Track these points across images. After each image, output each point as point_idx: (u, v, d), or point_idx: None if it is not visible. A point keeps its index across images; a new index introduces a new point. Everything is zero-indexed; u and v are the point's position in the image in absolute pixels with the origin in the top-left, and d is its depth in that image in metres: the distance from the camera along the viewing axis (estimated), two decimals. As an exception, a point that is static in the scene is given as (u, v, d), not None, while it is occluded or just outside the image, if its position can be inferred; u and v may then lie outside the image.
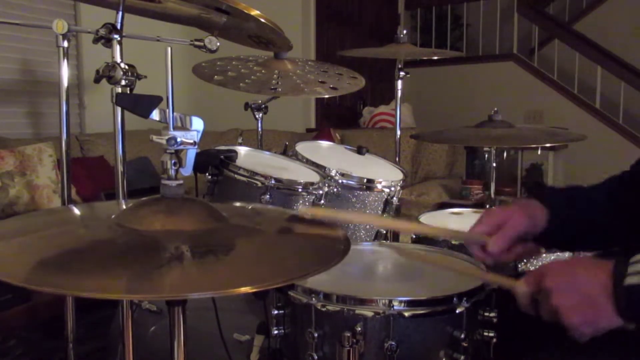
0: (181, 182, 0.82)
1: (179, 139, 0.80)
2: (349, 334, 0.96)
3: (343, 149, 1.97)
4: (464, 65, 5.33)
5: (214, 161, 1.48)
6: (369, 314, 0.99)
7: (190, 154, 0.81)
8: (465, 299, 1.02)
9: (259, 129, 2.09)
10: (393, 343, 0.98)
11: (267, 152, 1.79)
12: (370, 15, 5.58)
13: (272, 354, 1.15)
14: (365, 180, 1.60)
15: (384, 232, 1.68)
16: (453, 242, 1.42)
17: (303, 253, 0.83)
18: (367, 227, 1.65)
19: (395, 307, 0.99)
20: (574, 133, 1.87)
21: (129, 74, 1.18)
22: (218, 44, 1.29)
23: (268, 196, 1.41)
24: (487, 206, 1.99)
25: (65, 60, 1.28)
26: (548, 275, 0.83)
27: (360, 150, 1.88)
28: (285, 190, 1.46)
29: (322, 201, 1.49)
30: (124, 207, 0.99)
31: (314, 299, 1.02)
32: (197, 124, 0.82)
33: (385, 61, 2.57)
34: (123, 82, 1.17)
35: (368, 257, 1.34)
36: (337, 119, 5.01)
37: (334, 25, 5.06)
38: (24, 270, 0.69)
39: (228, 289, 0.66)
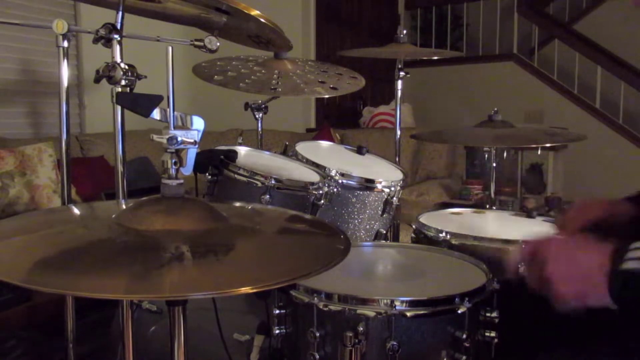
0: (181, 181, 0.81)
1: (179, 138, 0.80)
2: (350, 334, 0.96)
3: (343, 149, 1.97)
4: (464, 65, 5.33)
5: (214, 161, 1.48)
6: (371, 313, 0.99)
7: (191, 154, 0.81)
8: (467, 299, 1.02)
9: (259, 129, 2.09)
10: (395, 343, 0.98)
11: (267, 152, 1.79)
12: (370, 15, 5.58)
13: (272, 353, 1.15)
14: (365, 180, 1.60)
15: (384, 232, 1.68)
16: (453, 242, 1.42)
17: (303, 253, 0.83)
18: (367, 227, 1.65)
19: (397, 307, 0.98)
20: (574, 133, 1.87)
21: (129, 74, 1.18)
22: (218, 44, 1.29)
23: (268, 196, 1.41)
24: (487, 206, 1.99)
25: (65, 60, 1.28)
26: (548, 245, 0.86)
27: (360, 150, 1.88)
28: (285, 190, 1.45)
29: (322, 201, 1.49)
30: (124, 207, 0.99)
31: (315, 298, 1.02)
32: (198, 123, 0.82)
33: (385, 61, 2.57)
34: (123, 82, 1.17)
35: (368, 257, 1.34)
36: (337, 119, 5.01)
37: (334, 25, 5.06)
38: (24, 270, 0.69)
39: (228, 289, 0.66)
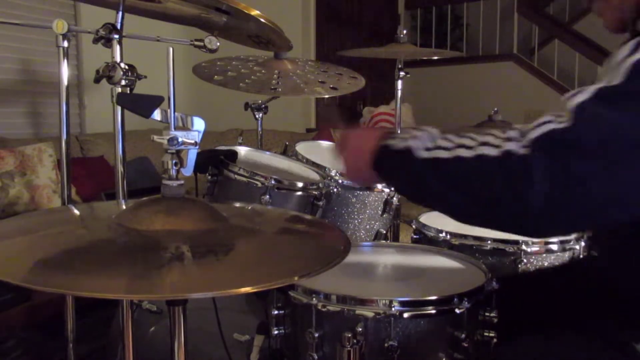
0: (182, 182, 0.82)
1: (180, 139, 0.80)
2: (349, 334, 0.96)
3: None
4: (464, 65, 5.33)
5: (214, 161, 1.48)
6: (370, 314, 0.99)
7: (192, 154, 0.81)
8: (465, 299, 1.02)
9: (259, 129, 2.09)
10: (393, 343, 0.98)
11: (267, 152, 1.79)
12: (370, 15, 5.57)
13: (272, 354, 1.15)
14: (365, 180, 1.60)
15: (384, 232, 1.68)
16: (453, 242, 1.43)
17: (303, 253, 0.83)
18: (367, 227, 1.65)
19: (395, 308, 0.98)
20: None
21: (129, 74, 1.18)
22: (218, 44, 1.29)
23: (268, 196, 1.41)
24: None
25: (65, 60, 1.28)
26: (346, 136, 1.01)
27: (360, 151, 1.88)
28: (285, 191, 1.46)
29: (322, 201, 1.49)
30: (124, 207, 0.99)
31: (314, 299, 1.02)
32: (199, 124, 0.82)
33: (385, 61, 2.57)
34: (123, 82, 1.17)
35: (368, 257, 1.34)
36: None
37: (334, 25, 5.06)
38: (24, 270, 0.69)
39: (228, 289, 0.66)
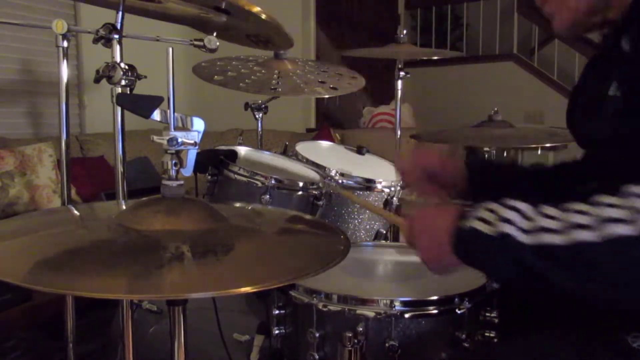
0: (182, 182, 0.82)
1: (179, 140, 0.80)
2: (350, 334, 0.96)
3: (343, 149, 1.97)
4: (464, 65, 5.32)
5: (214, 161, 1.48)
6: (371, 314, 0.99)
7: (191, 155, 0.81)
8: (466, 299, 1.02)
9: (259, 129, 2.09)
10: (394, 343, 0.98)
11: (267, 152, 1.79)
12: (370, 15, 5.57)
13: (272, 354, 1.15)
14: (365, 180, 1.60)
15: (384, 232, 1.68)
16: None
17: (303, 253, 0.83)
18: (367, 227, 1.65)
19: (396, 308, 0.98)
20: (574, 133, 1.86)
21: (129, 74, 1.18)
22: (218, 43, 1.29)
23: (268, 196, 1.41)
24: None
25: (65, 60, 1.28)
26: (415, 218, 0.93)
27: (360, 150, 1.88)
28: (285, 190, 1.46)
29: (322, 201, 1.49)
30: (124, 207, 0.99)
31: (315, 299, 1.02)
32: (198, 124, 0.82)
33: (385, 61, 2.57)
34: (123, 82, 1.17)
35: (368, 257, 1.34)
36: (337, 119, 5.01)
37: (334, 25, 5.06)
38: (24, 270, 0.69)
39: (228, 289, 0.66)
